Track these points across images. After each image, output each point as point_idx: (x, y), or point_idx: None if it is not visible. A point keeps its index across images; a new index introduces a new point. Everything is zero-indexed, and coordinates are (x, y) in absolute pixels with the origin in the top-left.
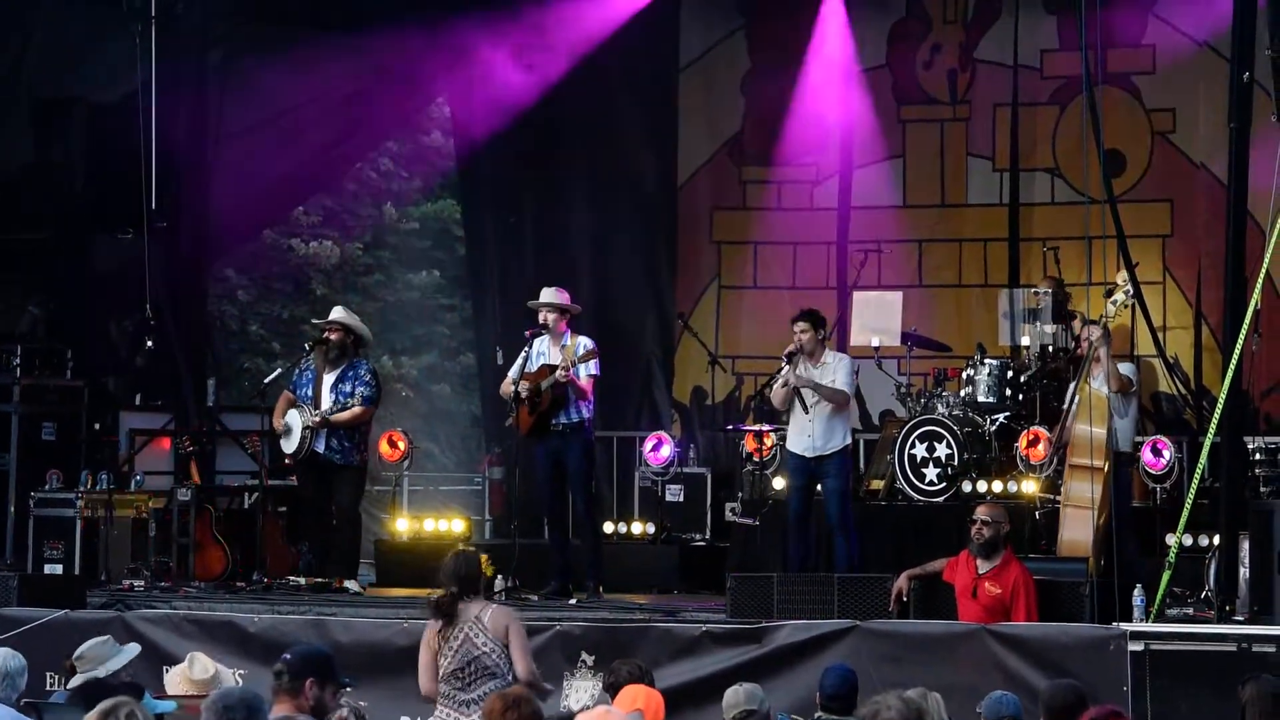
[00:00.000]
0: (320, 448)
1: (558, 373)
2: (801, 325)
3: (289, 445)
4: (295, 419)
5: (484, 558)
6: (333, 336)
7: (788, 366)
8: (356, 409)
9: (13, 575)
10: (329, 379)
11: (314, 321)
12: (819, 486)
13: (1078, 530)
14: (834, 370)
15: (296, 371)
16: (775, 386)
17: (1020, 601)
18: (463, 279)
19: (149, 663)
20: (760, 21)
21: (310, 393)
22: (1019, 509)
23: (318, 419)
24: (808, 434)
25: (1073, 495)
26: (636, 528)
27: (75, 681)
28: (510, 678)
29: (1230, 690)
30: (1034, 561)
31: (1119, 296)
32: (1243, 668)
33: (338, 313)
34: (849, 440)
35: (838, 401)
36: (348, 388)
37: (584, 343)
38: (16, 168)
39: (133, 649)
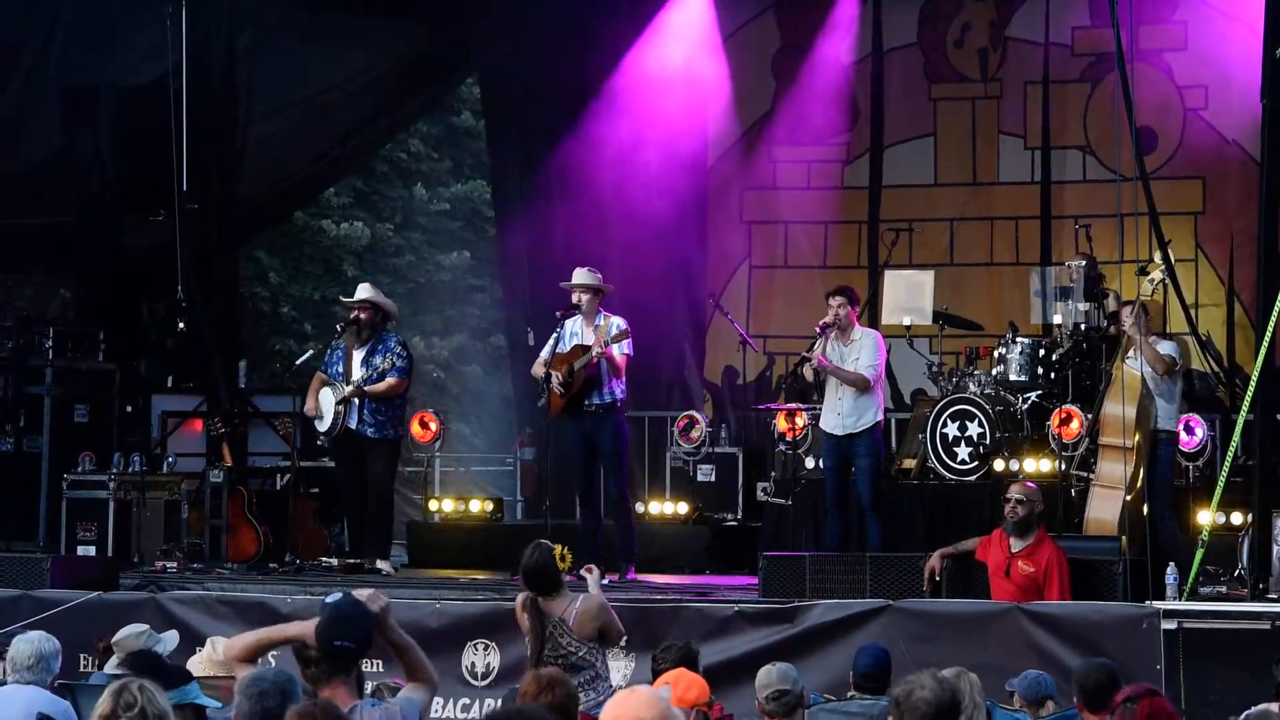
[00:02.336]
0: (353, 423)
1: (593, 351)
2: (838, 299)
3: (323, 425)
4: (327, 397)
5: (559, 548)
6: (362, 315)
7: (820, 339)
8: (391, 380)
9: (46, 557)
10: (359, 354)
11: (342, 299)
12: (852, 467)
13: (1104, 510)
14: (860, 347)
15: (328, 352)
16: (806, 366)
17: (1053, 580)
18: (493, 260)
19: (181, 644)
20: (790, 0)
21: (341, 370)
22: (1051, 488)
23: (350, 389)
24: (836, 412)
25: (1102, 475)
26: (668, 508)
27: (112, 664)
28: (601, 668)
29: (1264, 668)
30: (1067, 540)
31: (1155, 275)
32: (1277, 646)
33: (364, 290)
34: (880, 418)
35: (859, 386)
36: (378, 360)
37: (617, 323)
38: (47, 153)
39: (171, 639)
